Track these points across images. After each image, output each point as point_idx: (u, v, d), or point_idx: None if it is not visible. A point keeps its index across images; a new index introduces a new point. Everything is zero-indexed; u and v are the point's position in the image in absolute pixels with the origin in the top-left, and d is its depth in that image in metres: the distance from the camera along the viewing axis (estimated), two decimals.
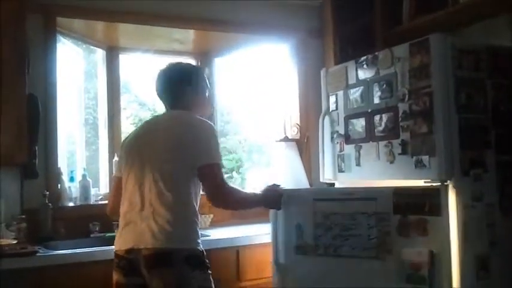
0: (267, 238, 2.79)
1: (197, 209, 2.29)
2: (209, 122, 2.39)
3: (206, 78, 2.58)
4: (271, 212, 2.71)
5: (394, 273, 2.33)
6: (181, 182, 2.24)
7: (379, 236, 2.40)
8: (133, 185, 2.28)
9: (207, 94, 2.56)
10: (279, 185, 2.64)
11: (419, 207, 2.32)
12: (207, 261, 2.25)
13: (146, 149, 2.31)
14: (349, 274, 2.47)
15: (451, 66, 2.37)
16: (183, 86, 2.44)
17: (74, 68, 3.72)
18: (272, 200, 2.57)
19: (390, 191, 2.39)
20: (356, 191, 2.55)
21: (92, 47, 3.78)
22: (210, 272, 2.26)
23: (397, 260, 2.33)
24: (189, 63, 2.79)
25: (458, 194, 2.32)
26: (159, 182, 2.21)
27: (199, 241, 2.24)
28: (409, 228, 2.33)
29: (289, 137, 3.87)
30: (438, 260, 2.25)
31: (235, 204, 2.48)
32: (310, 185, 3.65)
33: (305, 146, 3.79)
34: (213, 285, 2.26)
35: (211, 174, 2.26)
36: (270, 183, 2.64)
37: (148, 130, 2.43)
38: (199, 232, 2.28)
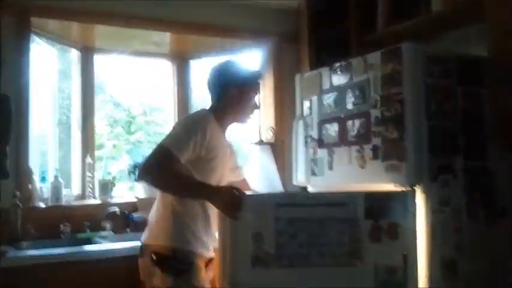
0: None
1: (183, 208, 2.29)
2: (200, 114, 2.39)
3: (251, 84, 2.51)
4: (221, 219, 2.25)
5: (366, 280, 2.29)
6: None
7: (350, 242, 2.31)
8: None
9: (244, 102, 2.47)
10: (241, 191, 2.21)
11: (391, 211, 2.34)
12: (179, 265, 2.23)
13: None
14: (320, 284, 2.30)
15: (421, 74, 2.42)
16: (214, 86, 2.48)
17: (48, 67, 3.68)
18: (227, 202, 2.16)
19: (361, 196, 2.35)
20: (326, 196, 2.49)
21: (66, 46, 3.75)
22: (181, 277, 2.23)
23: (369, 266, 2.29)
24: (233, 61, 2.59)
25: (426, 199, 2.36)
26: None
27: (170, 239, 2.25)
28: (381, 232, 2.32)
29: (264, 141, 3.89)
30: (410, 263, 2.29)
31: (154, 182, 2.24)
32: (285, 188, 3.67)
33: (280, 150, 3.82)
34: None
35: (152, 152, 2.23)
36: (230, 185, 2.30)
37: None
38: (182, 231, 2.27)
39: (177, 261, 2.23)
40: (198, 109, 2.52)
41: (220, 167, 2.39)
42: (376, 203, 2.35)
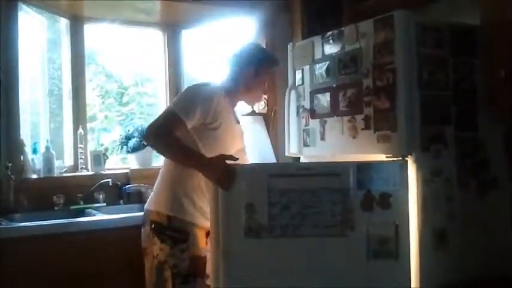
0: None
1: (180, 176, 2.34)
2: (211, 86, 2.47)
3: (268, 68, 2.61)
4: (213, 190, 2.26)
5: (359, 250, 2.30)
6: None
7: (343, 212, 2.32)
8: None
9: (256, 84, 2.57)
10: (235, 159, 2.25)
11: (383, 181, 2.34)
12: (175, 234, 2.29)
13: None
14: (311, 254, 2.31)
15: (414, 43, 2.40)
16: (233, 64, 2.55)
17: (37, 37, 3.63)
18: (218, 173, 2.18)
19: (354, 166, 2.34)
20: (318, 166, 2.47)
21: (56, 15, 3.69)
22: (177, 246, 2.29)
23: (361, 236, 2.30)
24: (257, 45, 2.79)
25: (418, 169, 2.37)
26: None
27: (165, 206, 2.32)
28: (373, 202, 2.33)
29: (257, 111, 3.87)
30: (401, 233, 2.31)
31: (156, 143, 2.33)
32: (277, 159, 3.68)
33: (272, 120, 3.81)
34: (174, 261, 2.28)
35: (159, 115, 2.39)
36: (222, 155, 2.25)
37: None
38: (177, 200, 2.32)
39: (173, 230, 2.28)
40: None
41: (224, 137, 2.40)
42: (368, 173, 2.35)
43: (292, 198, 2.30)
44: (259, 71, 2.54)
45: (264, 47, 2.67)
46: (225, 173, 2.16)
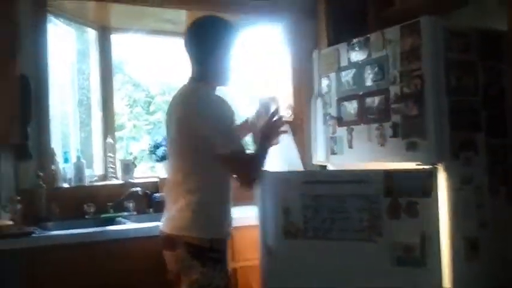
0: (253, 221, 2.64)
1: (212, 194, 2.23)
2: (213, 98, 2.23)
3: (231, 37, 2.30)
4: (259, 194, 2.50)
5: (385, 256, 2.34)
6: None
7: (370, 218, 2.38)
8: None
9: (227, 60, 2.30)
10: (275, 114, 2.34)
11: (411, 189, 2.34)
12: (215, 255, 2.19)
13: (168, 129, 2.38)
14: (340, 257, 2.43)
15: (441, 49, 2.38)
16: (197, 49, 2.28)
17: (67, 48, 3.70)
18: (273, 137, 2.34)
19: (381, 174, 2.39)
20: (347, 173, 2.56)
21: (84, 26, 3.76)
22: (215, 266, 2.18)
23: (388, 242, 2.34)
24: (213, 17, 2.37)
25: (448, 176, 2.35)
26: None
27: (206, 230, 2.18)
28: (400, 210, 2.34)
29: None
30: (429, 242, 2.29)
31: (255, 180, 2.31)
32: (304, 167, 3.67)
33: (299, 128, 3.81)
34: (216, 282, 2.18)
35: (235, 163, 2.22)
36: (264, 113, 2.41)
37: (169, 105, 2.42)
38: (214, 220, 2.22)
39: (214, 251, 2.18)
40: (193, 86, 2.31)
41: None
42: (395, 180, 2.37)
43: (323, 203, 2.46)
44: (229, 47, 2.29)
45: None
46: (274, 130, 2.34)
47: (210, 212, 2.20)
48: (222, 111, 2.19)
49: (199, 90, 2.25)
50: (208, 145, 2.15)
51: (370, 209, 2.38)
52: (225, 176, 2.25)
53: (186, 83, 2.35)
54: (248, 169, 2.22)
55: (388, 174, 2.38)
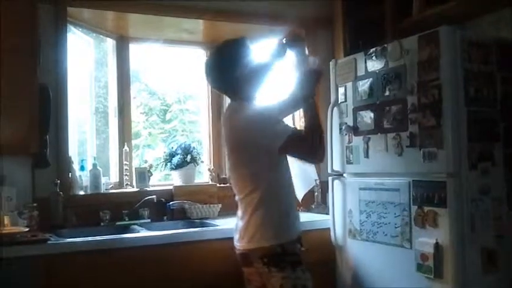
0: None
1: (275, 204, 2.27)
2: (257, 107, 2.31)
3: (242, 52, 2.32)
4: (329, 198, 3.00)
5: (410, 262, 2.45)
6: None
7: (402, 225, 2.53)
8: None
9: (243, 69, 2.30)
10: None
11: (431, 198, 2.38)
12: (290, 258, 2.22)
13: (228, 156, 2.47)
14: (382, 260, 2.68)
15: (460, 59, 2.37)
16: (221, 74, 2.33)
17: (84, 57, 3.74)
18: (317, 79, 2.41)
19: (408, 182, 2.50)
20: (385, 181, 2.66)
21: (102, 36, 3.80)
22: (295, 268, 2.21)
23: (414, 249, 2.45)
24: (224, 43, 2.42)
25: (465, 187, 2.34)
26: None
27: (275, 237, 2.21)
28: (424, 218, 2.41)
29: (298, 128, 3.86)
30: (445, 252, 2.28)
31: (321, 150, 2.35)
32: (318, 176, 3.66)
33: None
34: (301, 283, 2.21)
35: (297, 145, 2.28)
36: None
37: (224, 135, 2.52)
38: (281, 226, 2.24)
39: (289, 254, 2.21)
40: (232, 109, 2.40)
41: None
42: (420, 189, 2.45)
43: (373, 209, 2.74)
44: (251, 64, 2.32)
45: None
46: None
47: (276, 220, 2.24)
48: (263, 113, 2.29)
49: (238, 109, 2.33)
50: (265, 151, 2.22)
51: (401, 215, 2.55)
52: (286, 183, 2.32)
53: (228, 108, 2.46)
54: (309, 141, 2.25)
55: (414, 183, 2.49)
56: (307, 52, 2.46)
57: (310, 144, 2.25)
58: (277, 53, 2.39)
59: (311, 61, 2.45)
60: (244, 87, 2.30)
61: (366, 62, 2.79)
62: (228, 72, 2.28)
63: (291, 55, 2.44)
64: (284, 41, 2.41)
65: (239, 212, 2.37)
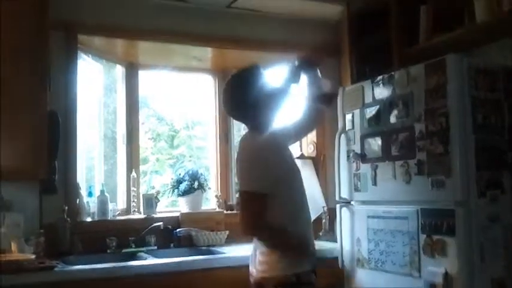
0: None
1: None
2: (259, 141, 2.21)
3: (256, 79, 2.28)
4: (338, 226, 2.99)
5: None
6: None
7: (410, 254, 2.51)
8: None
9: (258, 97, 2.24)
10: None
11: (439, 227, 2.36)
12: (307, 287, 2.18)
13: None
14: None
15: (467, 87, 2.38)
16: (236, 103, 2.29)
17: (94, 83, 3.78)
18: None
19: (417, 210, 2.49)
20: (393, 209, 2.64)
21: (112, 63, 3.84)
22: None
23: (422, 279, 2.42)
24: (238, 72, 2.37)
25: (474, 215, 2.32)
26: None
27: (289, 266, 2.16)
28: (432, 247, 2.39)
29: (306, 155, 3.87)
30: (454, 282, 2.25)
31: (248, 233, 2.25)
32: (326, 203, 3.64)
33: (321, 164, 3.80)
34: None
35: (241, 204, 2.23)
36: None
37: None
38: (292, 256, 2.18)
39: (303, 284, 2.17)
40: (243, 138, 2.35)
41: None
42: (429, 218, 2.43)
43: (381, 237, 2.72)
44: (267, 92, 2.28)
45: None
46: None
47: (287, 258, 2.16)
48: (253, 152, 2.20)
49: (245, 138, 2.31)
50: (270, 188, 2.14)
51: (409, 244, 2.53)
52: (299, 211, 2.25)
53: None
54: (247, 217, 2.16)
55: (423, 211, 2.47)
56: (320, 75, 2.43)
57: (244, 218, 2.17)
58: (292, 77, 2.37)
59: (325, 84, 2.43)
60: (260, 113, 2.27)
61: (373, 90, 2.79)
62: (243, 100, 2.26)
63: (304, 78, 2.41)
64: (297, 64, 2.39)
65: (255, 239, 2.31)
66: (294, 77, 2.36)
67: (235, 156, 2.37)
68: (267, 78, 2.32)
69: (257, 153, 2.18)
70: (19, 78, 2.75)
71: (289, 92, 2.35)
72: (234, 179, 3.83)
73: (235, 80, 2.33)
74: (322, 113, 2.51)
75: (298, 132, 2.52)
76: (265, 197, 2.12)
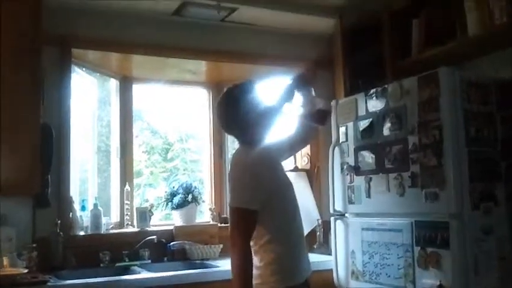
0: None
1: (281, 246, 2.19)
2: (252, 156, 2.19)
3: (250, 96, 2.27)
4: (332, 239, 2.99)
5: None
6: None
7: (405, 266, 2.50)
8: None
9: (251, 113, 2.23)
10: None
11: (433, 239, 2.36)
12: None
13: None
14: None
15: (459, 100, 2.39)
16: (230, 119, 2.28)
17: (88, 96, 3.77)
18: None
19: (411, 223, 2.48)
20: (387, 222, 2.64)
21: (106, 76, 3.85)
22: None
23: None
24: (232, 87, 2.37)
25: (468, 228, 2.32)
26: None
27: (280, 280, 2.15)
28: (427, 260, 2.39)
29: (300, 167, 3.88)
30: None
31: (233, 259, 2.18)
32: (320, 215, 3.64)
33: (315, 176, 3.80)
34: None
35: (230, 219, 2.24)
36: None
37: None
38: (288, 268, 2.18)
39: None
40: (236, 152, 2.34)
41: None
42: (423, 230, 2.42)
43: (375, 250, 2.70)
44: (260, 108, 2.27)
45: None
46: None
47: (282, 262, 2.17)
48: (246, 167, 2.18)
49: (238, 153, 2.29)
50: (262, 203, 2.13)
51: (404, 256, 2.52)
52: (291, 225, 2.24)
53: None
54: (234, 232, 2.14)
55: (417, 223, 2.46)
56: (314, 93, 2.42)
57: (234, 237, 2.13)
58: (286, 96, 2.37)
59: (318, 102, 2.44)
60: (253, 130, 2.25)
61: (366, 102, 2.81)
62: (236, 116, 2.25)
63: (298, 96, 2.40)
64: (291, 83, 2.38)
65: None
66: (288, 95, 2.36)
67: (229, 169, 2.35)
68: (261, 95, 2.31)
69: (250, 168, 2.17)
70: (12, 92, 2.74)
71: (283, 110, 2.34)
72: (228, 192, 3.81)
73: (229, 95, 2.33)
74: (316, 130, 2.52)
75: (292, 147, 2.51)
76: (255, 214, 2.11)
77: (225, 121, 2.32)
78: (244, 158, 2.22)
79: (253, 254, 2.23)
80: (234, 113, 2.25)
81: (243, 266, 2.11)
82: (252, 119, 2.23)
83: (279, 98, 2.33)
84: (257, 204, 2.11)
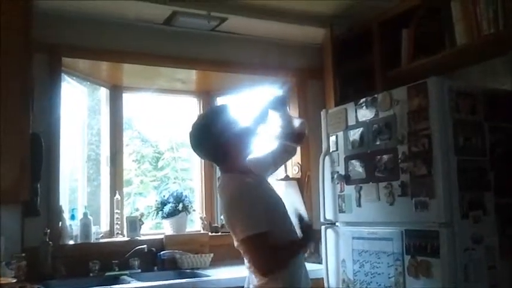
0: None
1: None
2: (241, 183, 2.17)
3: (224, 120, 2.24)
4: (323, 248, 3.00)
5: None
6: None
7: (395, 275, 2.51)
8: None
9: (229, 137, 2.20)
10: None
11: (424, 248, 2.38)
12: None
13: None
14: None
15: (448, 109, 2.41)
16: (205, 145, 2.24)
17: (78, 105, 3.76)
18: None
19: (401, 232, 2.49)
20: (377, 230, 2.65)
21: (96, 85, 3.84)
22: None
23: None
24: (205, 113, 2.47)
25: (458, 236, 2.33)
26: None
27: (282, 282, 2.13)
28: (416, 269, 2.40)
29: (290, 176, 3.88)
30: None
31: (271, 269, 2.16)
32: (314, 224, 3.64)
33: (306, 185, 3.81)
34: None
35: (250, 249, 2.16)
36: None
37: None
38: (286, 280, 2.14)
39: None
40: (222, 182, 2.31)
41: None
42: (413, 239, 2.43)
43: (366, 258, 2.71)
44: (237, 131, 2.24)
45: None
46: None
47: (282, 275, 2.14)
48: (242, 197, 2.16)
49: (227, 184, 2.25)
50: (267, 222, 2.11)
51: (394, 265, 2.53)
52: (288, 236, 2.22)
53: (220, 180, 2.36)
54: (263, 257, 2.11)
55: (407, 232, 2.47)
56: (290, 114, 2.46)
57: (263, 258, 2.11)
58: (260, 118, 2.37)
59: (294, 123, 2.45)
60: (230, 154, 2.23)
61: (356, 112, 2.82)
62: (212, 141, 2.21)
63: (274, 118, 2.40)
64: (267, 105, 2.38)
65: (246, 263, 2.27)
66: (263, 117, 2.37)
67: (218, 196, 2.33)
68: (236, 117, 2.28)
69: (245, 195, 2.15)
70: (1, 100, 2.72)
71: (257, 132, 2.33)
72: (219, 201, 3.81)
73: (203, 121, 2.30)
74: (294, 149, 2.53)
75: (276, 163, 2.51)
76: (267, 233, 2.09)
77: (200, 149, 2.28)
78: (234, 188, 2.19)
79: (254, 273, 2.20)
80: (210, 138, 2.21)
81: (289, 254, 2.16)
82: (227, 142, 2.20)
83: (253, 119, 2.34)
84: (266, 225, 2.09)
